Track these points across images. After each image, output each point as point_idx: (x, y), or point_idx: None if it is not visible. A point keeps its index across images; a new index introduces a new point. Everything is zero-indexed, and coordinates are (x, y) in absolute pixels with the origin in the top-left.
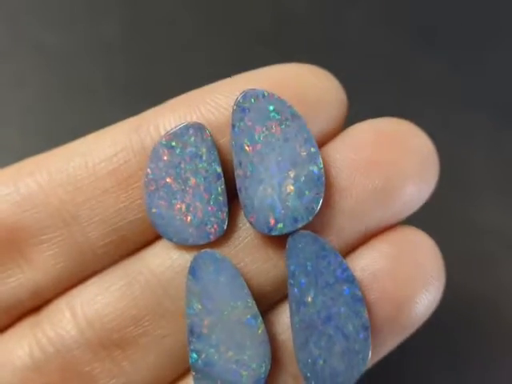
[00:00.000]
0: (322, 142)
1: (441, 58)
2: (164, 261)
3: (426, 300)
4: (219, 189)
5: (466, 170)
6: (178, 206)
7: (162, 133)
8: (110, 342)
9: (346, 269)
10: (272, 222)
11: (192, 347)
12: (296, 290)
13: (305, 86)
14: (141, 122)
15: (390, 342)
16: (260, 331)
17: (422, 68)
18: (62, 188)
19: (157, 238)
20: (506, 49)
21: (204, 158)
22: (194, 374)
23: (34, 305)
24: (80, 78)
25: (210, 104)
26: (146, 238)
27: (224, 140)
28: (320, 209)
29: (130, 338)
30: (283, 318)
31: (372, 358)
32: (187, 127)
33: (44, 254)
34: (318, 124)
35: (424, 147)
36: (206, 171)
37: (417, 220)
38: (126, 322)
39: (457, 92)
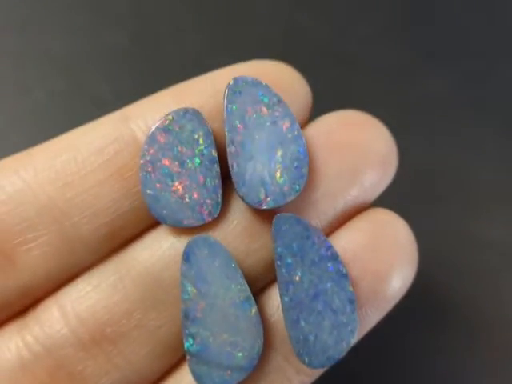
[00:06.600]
0: None
1: (447, 71)
2: (154, 252)
3: (402, 273)
4: (214, 172)
5: (473, 183)
6: (175, 187)
7: (150, 123)
8: (102, 337)
9: (330, 247)
10: (262, 196)
11: (187, 331)
12: (284, 270)
13: (276, 79)
14: (128, 114)
15: (373, 316)
16: (253, 313)
17: (429, 80)
18: (51, 184)
19: (148, 229)
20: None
21: (201, 141)
22: (189, 358)
23: (24, 305)
24: (87, 87)
25: (197, 93)
26: (140, 228)
27: (215, 125)
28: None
29: (122, 331)
30: (273, 300)
31: (359, 331)
32: (184, 112)
33: (31, 254)
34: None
35: (385, 134)
36: (203, 155)
37: (420, 230)
38: (119, 316)
39: (463, 104)
